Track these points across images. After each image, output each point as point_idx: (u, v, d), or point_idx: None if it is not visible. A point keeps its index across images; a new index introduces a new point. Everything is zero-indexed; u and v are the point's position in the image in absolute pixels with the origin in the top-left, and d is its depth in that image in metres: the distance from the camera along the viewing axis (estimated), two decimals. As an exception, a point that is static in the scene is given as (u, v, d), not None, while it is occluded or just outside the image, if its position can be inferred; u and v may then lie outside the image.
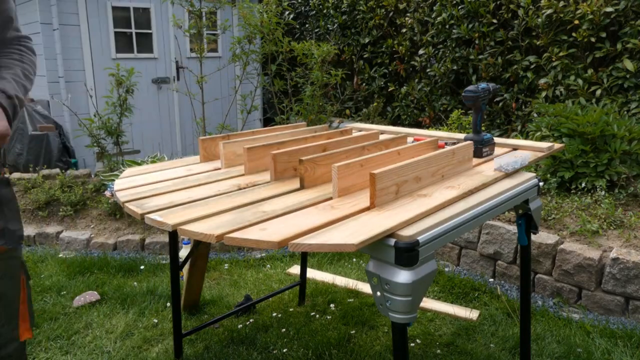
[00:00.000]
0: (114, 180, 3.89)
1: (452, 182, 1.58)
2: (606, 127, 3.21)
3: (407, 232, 1.21)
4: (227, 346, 2.36)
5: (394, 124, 5.67)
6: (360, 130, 2.42)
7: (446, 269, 3.21)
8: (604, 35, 3.91)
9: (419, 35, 5.29)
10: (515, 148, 2.05)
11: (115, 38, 5.67)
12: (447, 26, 4.98)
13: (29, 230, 3.81)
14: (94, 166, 5.29)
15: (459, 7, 4.82)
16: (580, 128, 3.25)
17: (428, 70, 5.21)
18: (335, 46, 5.43)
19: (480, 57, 4.72)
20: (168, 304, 2.75)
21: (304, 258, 2.79)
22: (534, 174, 1.76)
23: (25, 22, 5.32)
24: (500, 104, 4.66)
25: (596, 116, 3.29)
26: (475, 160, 1.84)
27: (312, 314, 2.65)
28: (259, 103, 6.77)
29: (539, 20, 4.17)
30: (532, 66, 4.37)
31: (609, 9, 3.82)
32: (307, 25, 6.72)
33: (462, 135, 2.13)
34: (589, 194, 3.16)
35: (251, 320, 2.60)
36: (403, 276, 1.17)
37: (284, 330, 2.49)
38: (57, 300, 2.83)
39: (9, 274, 1.23)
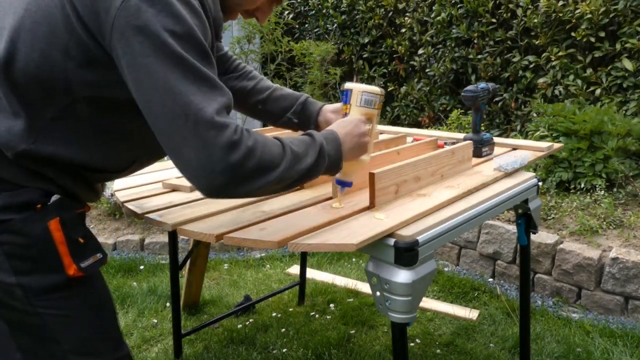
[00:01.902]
0: (113, 180, 3.89)
1: (452, 182, 1.58)
2: (600, 123, 3.22)
3: (406, 231, 1.21)
4: (226, 346, 2.36)
5: (393, 123, 5.67)
6: (359, 130, 2.41)
7: (446, 269, 3.21)
8: (603, 35, 3.92)
9: (419, 35, 5.29)
10: (514, 148, 2.05)
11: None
12: (446, 26, 4.98)
13: (28, 230, 3.80)
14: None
15: (458, 6, 4.82)
16: (575, 126, 3.26)
17: (427, 70, 5.21)
18: (334, 46, 5.43)
19: (480, 56, 4.72)
20: (167, 304, 2.75)
21: (304, 258, 2.79)
22: (533, 174, 1.76)
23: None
24: (500, 103, 4.66)
25: (592, 115, 3.29)
26: (475, 160, 1.84)
27: (312, 313, 2.65)
28: (259, 103, 6.76)
29: (538, 20, 4.18)
30: (531, 66, 4.37)
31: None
32: (306, 25, 6.71)
33: (461, 135, 2.13)
34: (588, 193, 3.16)
35: (251, 320, 2.60)
36: (403, 276, 1.17)
37: (283, 330, 2.49)
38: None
39: None
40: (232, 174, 0.95)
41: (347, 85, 1.27)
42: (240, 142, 0.95)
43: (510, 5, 4.43)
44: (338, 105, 1.41)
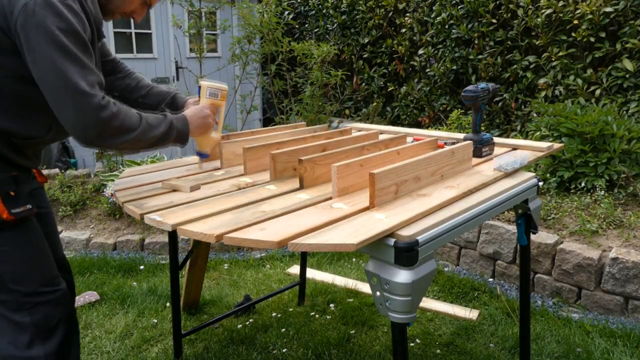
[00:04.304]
0: (113, 180, 3.89)
1: (452, 182, 1.58)
2: (605, 126, 3.22)
3: (406, 232, 1.21)
4: (226, 346, 2.36)
5: (393, 123, 5.68)
6: (359, 130, 2.42)
7: (446, 269, 3.21)
8: (603, 35, 3.92)
9: (419, 35, 5.29)
10: (514, 148, 2.05)
11: (115, 38, 5.66)
12: (446, 26, 4.98)
13: (28, 230, 3.80)
14: (94, 166, 5.29)
15: (459, 7, 4.83)
16: (579, 128, 3.26)
17: (427, 70, 5.22)
18: (334, 46, 5.43)
19: (480, 57, 4.73)
20: (167, 304, 2.75)
21: (304, 258, 2.79)
22: (533, 174, 1.76)
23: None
24: (500, 103, 4.66)
25: (595, 116, 3.29)
26: (475, 160, 1.84)
27: (312, 313, 2.65)
28: (259, 103, 6.77)
29: (539, 20, 4.18)
30: (532, 66, 4.37)
31: (609, 9, 3.82)
32: (306, 25, 6.72)
33: (461, 135, 2.13)
34: (589, 193, 3.16)
35: (251, 320, 2.60)
36: (402, 276, 1.17)
37: (283, 330, 2.49)
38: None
39: None
40: (101, 129, 1.33)
41: (200, 82, 1.76)
42: (107, 106, 1.33)
43: (511, 6, 4.43)
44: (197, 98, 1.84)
